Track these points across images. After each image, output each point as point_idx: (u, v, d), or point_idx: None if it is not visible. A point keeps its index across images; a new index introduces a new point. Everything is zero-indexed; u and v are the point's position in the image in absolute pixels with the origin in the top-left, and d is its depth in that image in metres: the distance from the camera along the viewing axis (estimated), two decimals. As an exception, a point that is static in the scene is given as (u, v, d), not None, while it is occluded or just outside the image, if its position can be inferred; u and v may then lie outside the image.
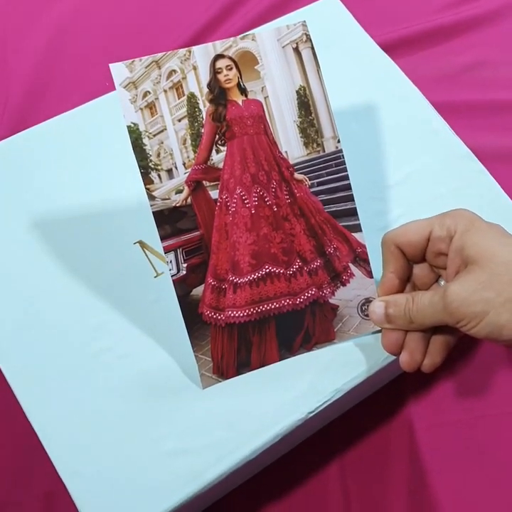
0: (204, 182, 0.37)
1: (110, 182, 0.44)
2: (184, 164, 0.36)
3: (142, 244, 0.41)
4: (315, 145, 0.38)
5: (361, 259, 0.38)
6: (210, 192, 0.37)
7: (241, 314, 0.37)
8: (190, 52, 0.36)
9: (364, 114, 0.47)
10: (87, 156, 0.45)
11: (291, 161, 0.37)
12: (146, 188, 0.36)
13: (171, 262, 0.36)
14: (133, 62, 0.35)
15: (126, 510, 0.34)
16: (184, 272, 0.37)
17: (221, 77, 0.36)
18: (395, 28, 0.65)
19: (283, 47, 0.37)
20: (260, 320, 0.37)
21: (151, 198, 0.36)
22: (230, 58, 0.36)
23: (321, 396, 0.37)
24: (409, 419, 0.47)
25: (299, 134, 0.37)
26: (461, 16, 0.65)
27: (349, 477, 0.46)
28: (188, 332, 0.36)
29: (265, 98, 0.37)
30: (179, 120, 0.36)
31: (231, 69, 0.36)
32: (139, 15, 0.68)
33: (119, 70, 0.35)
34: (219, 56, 0.36)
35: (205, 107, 0.36)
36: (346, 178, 0.37)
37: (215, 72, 0.36)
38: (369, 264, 0.38)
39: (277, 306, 0.37)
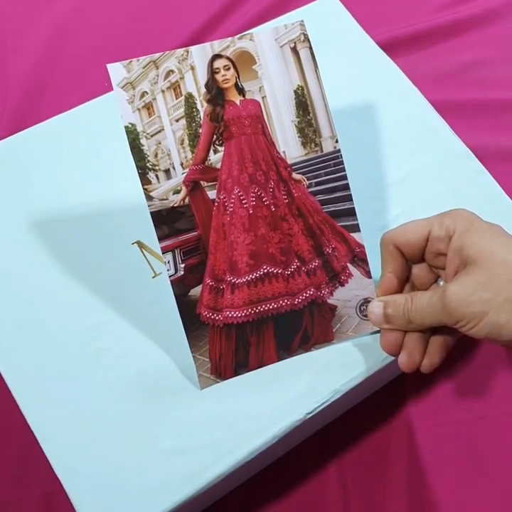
0: (202, 182, 0.37)
1: (108, 182, 0.44)
2: (182, 164, 0.36)
3: (140, 245, 0.41)
4: (313, 145, 0.37)
5: (360, 259, 0.38)
6: (207, 192, 0.37)
7: (239, 315, 0.37)
8: (187, 52, 0.36)
9: (363, 114, 0.47)
10: (84, 157, 0.45)
11: (289, 161, 0.37)
12: (143, 189, 0.36)
13: (168, 262, 0.36)
14: (130, 62, 0.35)
15: (124, 511, 0.34)
16: (182, 273, 0.37)
17: (219, 77, 0.36)
18: (394, 27, 0.65)
19: (281, 46, 0.37)
20: (258, 320, 0.37)
21: (149, 198, 0.36)
22: (228, 58, 0.36)
23: (319, 397, 0.37)
24: (408, 420, 0.47)
25: (296, 134, 0.37)
26: (460, 15, 0.65)
27: (349, 478, 0.46)
28: (185, 332, 0.36)
29: (263, 98, 0.37)
30: (177, 120, 0.36)
31: (229, 69, 0.36)
32: (139, 15, 0.68)
33: (116, 71, 0.35)
34: (217, 56, 0.36)
35: (202, 107, 0.36)
36: (344, 177, 0.37)
37: (212, 72, 0.36)
38: (367, 264, 0.38)
39: (275, 306, 0.37)
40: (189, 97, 0.36)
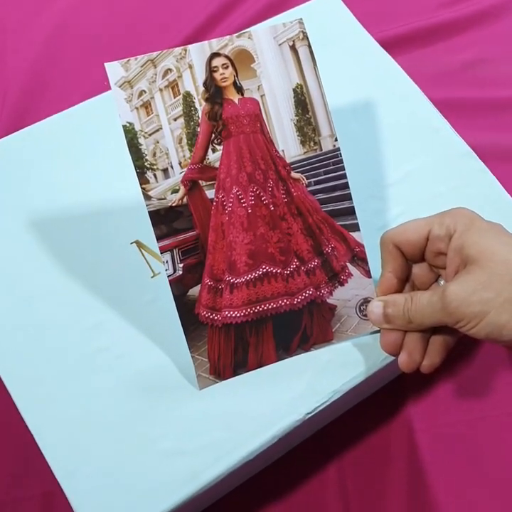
0: (200, 181, 0.36)
1: (106, 182, 0.43)
2: (180, 164, 0.36)
3: (139, 244, 0.41)
4: (312, 143, 0.37)
5: (359, 259, 0.38)
6: (206, 191, 0.37)
7: (238, 314, 0.37)
8: (185, 50, 0.36)
9: (363, 112, 0.46)
10: (82, 156, 0.45)
11: (288, 160, 0.37)
12: (141, 188, 0.36)
13: (167, 262, 0.36)
14: (128, 61, 0.35)
15: (122, 511, 0.34)
16: (180, 272, 0.36)
17: (217, 75, 0.36)
18: (394, 25, 0.65)
19: (279, 45, 0.37)
20: (257, 320, 0.37)
21: (147, 197, 0.36)
22: (226, 56, 0.36)
23: (319, 397, 0.36)
24: (408, 420, 0.47)
25: (295, 133, 0.37)
26: (461, 13, 0.65)
27: (348, 478, 0.46)
28: (184, 332, 0.36)
29: (262, 96, 0.37)
30: (175, 119, 0.36)
31: (227, 67, 0.36)
32: (138, 14, 0.68)
33: (114, 69, 0.35)
34: (215, 54, 0.36)
35: (201, 105, 0.36)
36: (344, 176, 0.37)
37: (211, 70, 0.36)
38: (367, 263, 0.38)
39: (274, 306, 0.37)
40: (187, 96, 0.36)
